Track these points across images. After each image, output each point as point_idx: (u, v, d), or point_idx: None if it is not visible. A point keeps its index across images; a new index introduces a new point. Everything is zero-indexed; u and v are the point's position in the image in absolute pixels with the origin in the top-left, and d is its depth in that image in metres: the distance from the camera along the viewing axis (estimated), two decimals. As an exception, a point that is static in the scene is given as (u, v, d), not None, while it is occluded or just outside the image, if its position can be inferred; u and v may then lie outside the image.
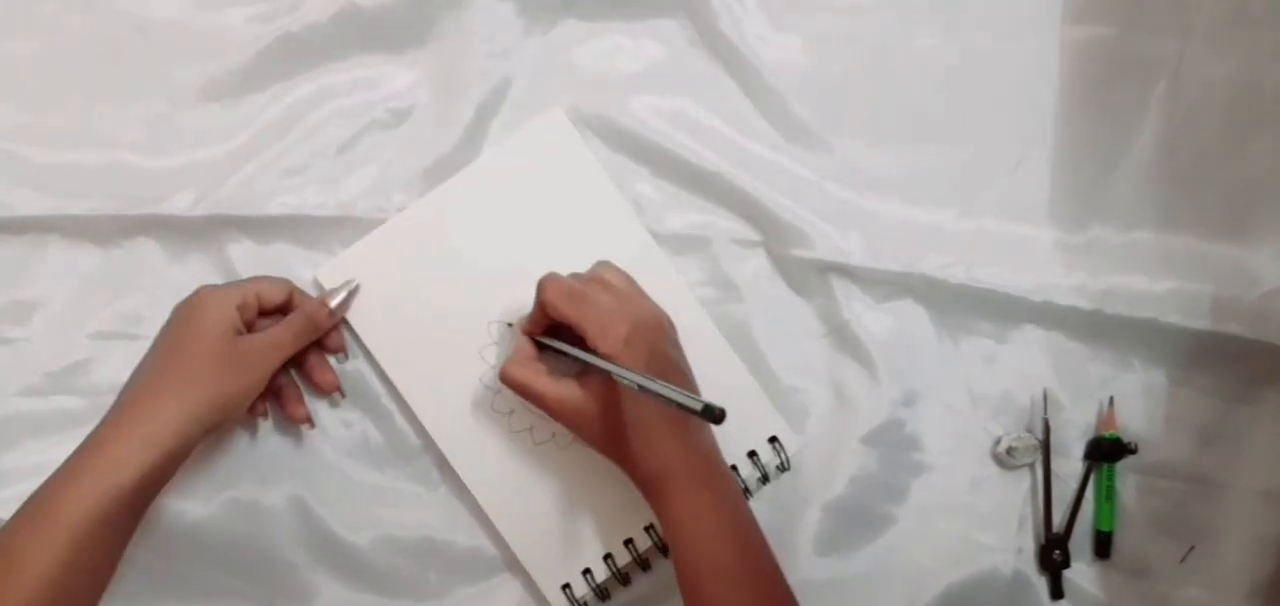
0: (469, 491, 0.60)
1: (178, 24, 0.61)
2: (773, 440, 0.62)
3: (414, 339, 0.60)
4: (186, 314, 0.55)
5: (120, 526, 0.52)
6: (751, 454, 0.61)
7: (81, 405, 0.59)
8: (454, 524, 0.62)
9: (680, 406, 0.47)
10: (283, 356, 0.57)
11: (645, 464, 0.53)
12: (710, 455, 0.54)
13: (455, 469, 0.60)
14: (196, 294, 0.56)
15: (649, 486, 0.54)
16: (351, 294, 0.59)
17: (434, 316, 0.60)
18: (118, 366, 0.59)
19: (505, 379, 0.56)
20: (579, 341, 0.53)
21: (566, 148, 0.62)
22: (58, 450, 0.58)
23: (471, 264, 0.61)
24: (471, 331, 0.61)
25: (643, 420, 0.53)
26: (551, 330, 0.56)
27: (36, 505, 0.50)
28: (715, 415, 0.45)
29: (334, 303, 0.58)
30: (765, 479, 0.62)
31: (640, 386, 0.49)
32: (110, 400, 0.58)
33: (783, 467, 0.62)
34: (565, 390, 0.54)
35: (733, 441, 0.60)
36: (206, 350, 0.54)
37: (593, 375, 0.54)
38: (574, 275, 0.56)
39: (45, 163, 0.60)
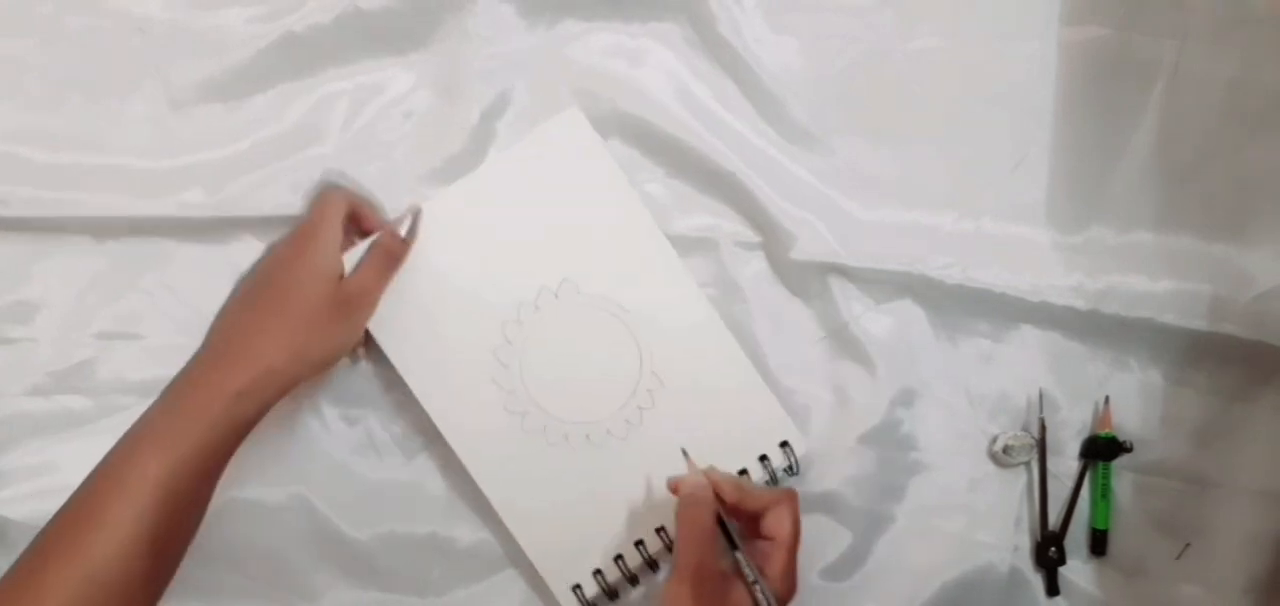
0: (475, 489, 0.61)
1: (178, 24, 0.61)
2: (783, 445, 0.62)
3: (427, 337, 0.60)
4: (298, 252, 0.56)
5: (212, 474, 0.53)
6: (762, 457, 0.62)
7: (85, 404, 0.60)
8: (457, 521, 0.62)
9: None
10: (376, 303, 0.58)
11: None
12: None
13: (468, 468, 0.60)
14: (313, 230, 0.56)
15: None
16: (417, 218, 0.59)
17: (447, 314, 0.60)
18: (121, 366, 0.59)
19: (702, 519, 0.53)
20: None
21: (584, 147, 0.61)
22: (61, 449, 0.59)
23: (486, 262, 0.60)
24: (485, 330, 0.60)
25: None
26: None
27: (129, 445, 0.51)
28: None
29: (403, 230, 0.59)
30: (774, 481, 0.62)
31: None
32: (114, 399, 0.59)
33: (791, 471, 0.62)
34: (717, 571, 0.52)
35: (744, 445, 0.61)
36: (317, 299, 0.54)
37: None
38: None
39: (47, 163, 0.59)
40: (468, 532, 0.62)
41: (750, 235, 0.63)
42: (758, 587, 0.51)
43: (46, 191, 0.59)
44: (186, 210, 0.59)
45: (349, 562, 0.61)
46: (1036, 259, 0.63)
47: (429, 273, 0.60)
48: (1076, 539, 0.64)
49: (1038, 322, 0.63)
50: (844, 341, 0.63)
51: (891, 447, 0.63)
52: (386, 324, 0.59)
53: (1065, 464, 0.64)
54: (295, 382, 0.55)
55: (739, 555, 0.53)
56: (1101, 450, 0.63)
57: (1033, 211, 0.63)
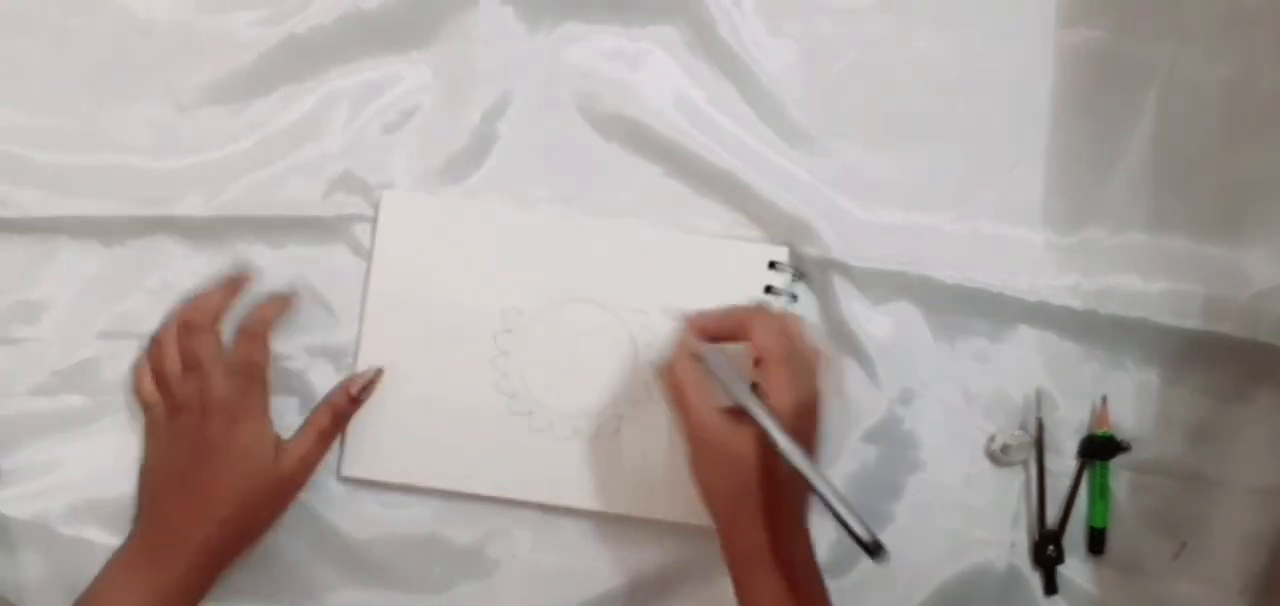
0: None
1: (182, 26, 0.61)
2: (773, 265, 0.62)
3: (431, 445, 0.61)
4: (230, 428, 0.55)
5: None
6: (768, 289, 0.62)
7: (89, 403, 0.60)
8: (457, 520, 0.62)
9: (846, 528, 0.47)
10: (317, 464, 0.58)
11: (753, 540, 0.52)
12: (811, 552, 0.54)
13: (563, 504, 0.61)
14: (244, 406, 0.56)
15: (746, 562, 0.52)
16: (376, 377, 0.60)
17: (433, 409, 0.61)
18: (124, 365, 0.60)
19: (673, 376, 0.54)
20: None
21: (429, 210, 0.62)
22: (65, 448, 0.59)
23: (438, 355, 0.61)
24: (478, 377, 0.61)
25: (781, 495, 0.52)
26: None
27: None
28: (880, 551, 0.46)
29: (356, 389, 0.59)
30: (794, 299, 0.62)
31: (809, 479, 0.49)
32: (117, 399, 0.59)
33: (799, 277, 0.63)
34: (714, 417, 0.52)
35: (743, 293, 0.61)
36: (256, 481, 0.55)
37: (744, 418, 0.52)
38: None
39: (52, 164, 0.60)
40: (467, 531, 0.62)
41: (751, 235, 0.63)
42: (755, 411, 0.51)
43: (51, 192, 0.59)
44: (189, 211, 0.60)
45: (350, 561, 0.61)
46: (1033, 259, 0.63)
47: (398, 403, 0.60)
48: (1074, 537, 0.64)
49: (1035, 322, 0.64)
50: (844, 340, 0.63)
51: (891, 446, 0.63)
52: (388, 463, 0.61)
53: (1063, 462, 0.64)
54: (228, 564, 0.56)
55: (732, 387, 0.53)
56: (1099, 449, 0.63)
57: (1029, 212, 0.64)
